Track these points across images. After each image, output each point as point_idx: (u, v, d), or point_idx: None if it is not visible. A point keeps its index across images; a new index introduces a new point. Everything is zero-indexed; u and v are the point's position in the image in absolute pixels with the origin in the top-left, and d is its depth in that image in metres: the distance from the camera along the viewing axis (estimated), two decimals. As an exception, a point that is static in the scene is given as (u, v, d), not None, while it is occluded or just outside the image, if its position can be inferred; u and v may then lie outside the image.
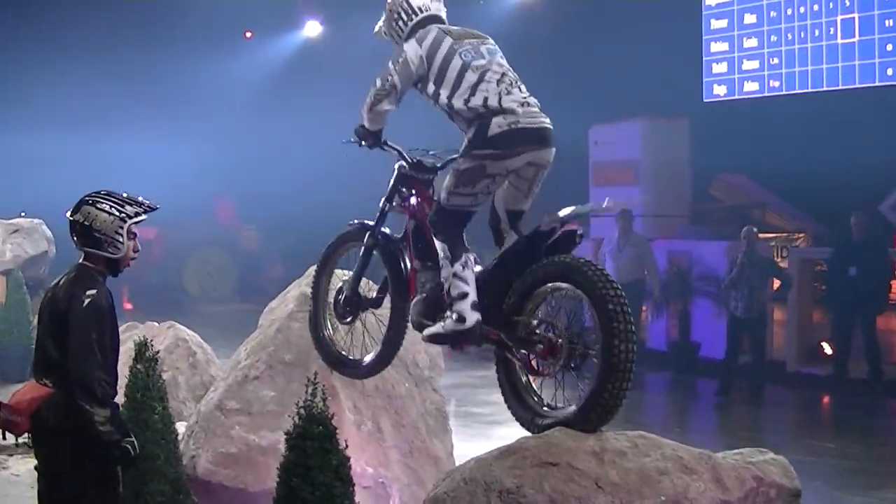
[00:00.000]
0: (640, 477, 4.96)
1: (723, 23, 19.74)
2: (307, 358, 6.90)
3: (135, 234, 5.31)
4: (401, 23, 6.01)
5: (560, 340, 5.39)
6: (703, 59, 19.83)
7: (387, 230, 6.54)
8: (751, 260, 13.29)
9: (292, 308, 7.15)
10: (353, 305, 6.64)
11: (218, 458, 6.64)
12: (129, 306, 22.63)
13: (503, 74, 5.71)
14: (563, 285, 5.42)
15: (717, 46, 19.85)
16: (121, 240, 5.21)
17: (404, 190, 6.40)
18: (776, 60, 18.95)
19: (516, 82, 5.73)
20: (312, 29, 25.21)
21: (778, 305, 14.87)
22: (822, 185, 18.16)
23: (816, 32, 18.26)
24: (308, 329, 6.90)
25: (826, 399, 13.36)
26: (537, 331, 5.54)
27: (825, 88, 18.07)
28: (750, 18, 19.34)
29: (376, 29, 6.26)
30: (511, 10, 22.12)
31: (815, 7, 18.25)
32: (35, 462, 5.35)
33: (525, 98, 5.64)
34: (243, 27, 25.56)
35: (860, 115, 17.34)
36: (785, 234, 19.02)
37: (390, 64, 5.87)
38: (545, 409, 5.55)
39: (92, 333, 5.06)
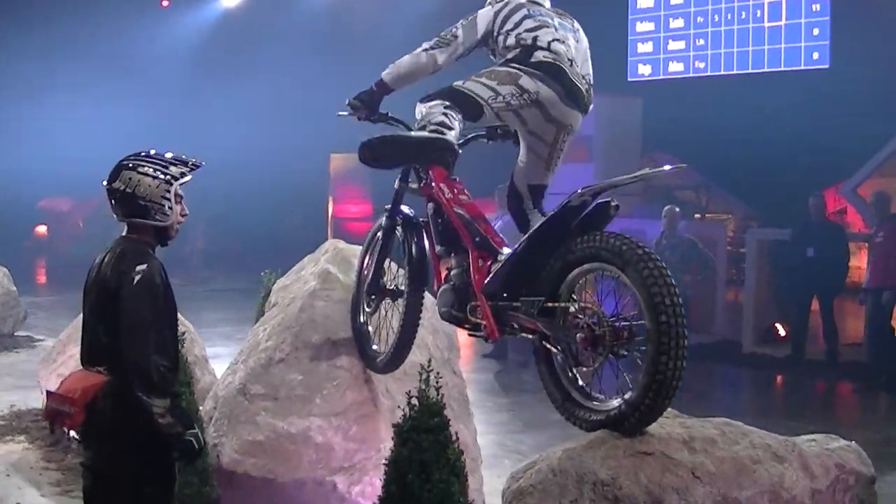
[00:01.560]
0: (735, 466, 4.76)
1: (649, 2, 19.75)
2: (335, 339, 6.55)
3: (181, 197, 4.88)
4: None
5: (603, 329, 4.93)
6: (629, 38, 19.81)
7: (407, 210, 6.22)
8: (669, 241, 13.06)
9: (314, 286, 6.77)
10: (375, 293, 6.33)
11: (244, 447, 6.22)
12: (43, 280, 22.01)
13: (566, 38, 5.49)
14: (603, 266, 4.99)
15: (642, 26, 19.86)
16: (169, 205, 4.79)
17: (419, 169, 6.02)
18: (702, 42, 19.07)
19: (573, 53, 5.46)
20: (231, -1, 24.59)
21: (735, 287, 14.87)
22: (748, 166, 18.37)
23: (743, 15, 18.41)
24: (344, 307, 6.60)
25: (787, 380, 13.25)
26: (577, 318, 5.06)
27: (751, 70, 18.22)
28: (677, -1, 19.37)
29: None
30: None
31: (743, -11, 18.37)
32: (81, 458, 4.95)
33: (574, 61, 5.43)
34: (160, -5, 24.85)
35: (785, 97, 17.51)
36: (713, 215, 19.17)
37: (460, 20, 5.67)
38: (589, 401, 5.15)
39: (146, 314, 4.58)
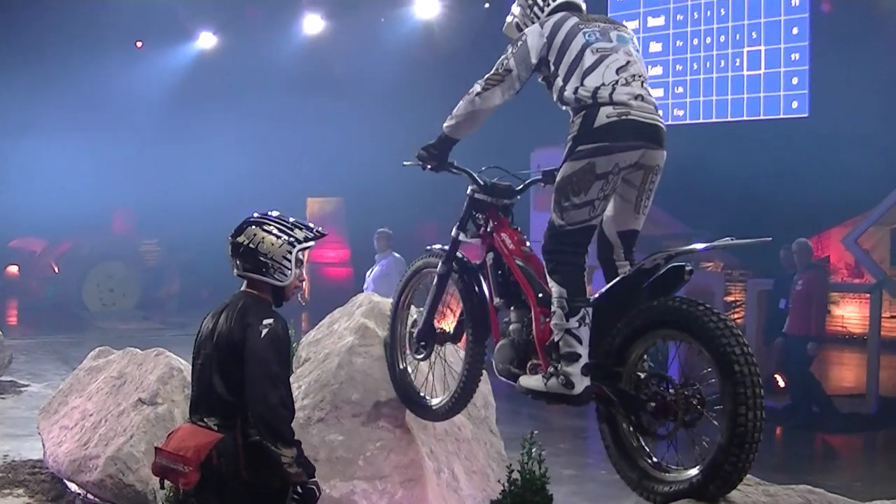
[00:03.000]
0: (825, 538, 4.59)
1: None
2: (376, 397, 6.31)
3: (301, 262, 4.97)
4: (536, 9, 5.49)
5: (675, 398, 4.80)
6: (608, 85, 19.71)
7: (462, 256, 6.02)
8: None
9: (352, 341, 6.53)
10: (427, 339, 6.10)
11: (285, 511, 5.94)
12: (14, 321, 21.58)
13: (628, 63, 5.13)
14: (668, 332, 4.89)
15: (621, 74, 19.76)
16: (288, 266, 4.88)
17: (479, 217, 5.86)
18: (681, 90, 19.02)
19: (639, 77, 5.14)
20: (207, 41, 24.26)
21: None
22: (729, 215, 18.31)
23: (722, 63, 18.38)
24: (385, 364, 6.37)
25: (791, 432, 12.87)
26: (647, 385, 4.95)
27: (730, 119, 18.18)
28: (655, 47, 19.38)
29: (506, 25, 5.67)
30: (417, 28, 21.59)
31: (722, 38, 18.38)
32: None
33: (640, 93, 5.08)
34: (133, 36, 24.50)
35: (765, 146, 17.50)
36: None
37: (507, 48, 5.31)
38: (658, 471, 4.97)
39: (273, 366, 4.65)
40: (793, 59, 17.39)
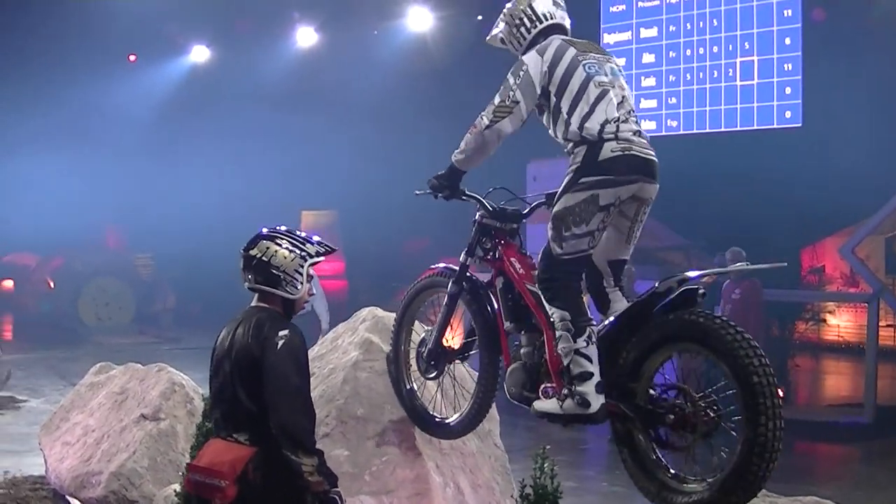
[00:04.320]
0: (835, 549, 4.61)
1: (620, 62, 19.51)
2: (381, 412, 6.31)
3: (311, 276, 5.03)
4: (523, 29, 5.57)
5: (693, 410, 4.85)
6: (601, 96, 19.70)
7: (472, 275, 6.03)
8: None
9: (356, 356, 6.53)
10: (437, 359, 6.09)
11: (291, 527, 5.94)
12: (9, 336, 21.57)
13: (623, 99, 5.30)
14: (684, 345, 4.96)
15: (614, 85, 19.73)
16: (300, 279, 4.94)
17: (487, 242, 5.89)
18: (674, 100, 19.03)
19: (633, 113, 5.32)
20: (200, 54, 24.30)
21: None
22: (723, 226, 18.33)
23: (715, 74, 18.40)
24: (388, 381, 6.36)
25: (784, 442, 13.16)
26: (663, 399, 5.03)
27: (723, 129, 18.20)
28: (648, 58, 19.40)
29: (490, 36, 5.76)
30: (410, 40, 21.61)
31: (715, 49, 18.40)
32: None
33: (639, 129, 5.26)
34: (126, 50, 24.50)
35: (759, 156, 17.49)
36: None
37: (510, 78, 5.33)
38: (677, 482, 5.00)
39: (293, 378, 4.73)
40: (786, 69, 17.40)
